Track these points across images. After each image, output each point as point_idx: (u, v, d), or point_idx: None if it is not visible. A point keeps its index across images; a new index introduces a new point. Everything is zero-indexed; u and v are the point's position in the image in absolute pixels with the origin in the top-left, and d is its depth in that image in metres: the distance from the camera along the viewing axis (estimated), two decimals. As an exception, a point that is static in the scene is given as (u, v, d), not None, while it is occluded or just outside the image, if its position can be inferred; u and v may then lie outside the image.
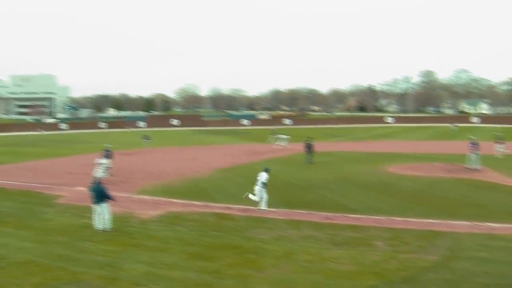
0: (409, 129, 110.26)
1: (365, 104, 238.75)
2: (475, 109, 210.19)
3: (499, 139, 52.05)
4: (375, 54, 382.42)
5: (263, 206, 25.72)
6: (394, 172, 39.53)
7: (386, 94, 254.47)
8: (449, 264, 17.05)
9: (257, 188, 25.88)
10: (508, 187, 32.25)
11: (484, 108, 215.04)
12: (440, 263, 17.23)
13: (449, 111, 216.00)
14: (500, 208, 25.96)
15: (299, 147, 49.49)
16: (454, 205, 26.66)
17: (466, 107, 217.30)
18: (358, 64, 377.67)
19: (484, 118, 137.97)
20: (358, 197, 29.13)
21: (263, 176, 25.92)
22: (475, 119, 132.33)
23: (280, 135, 65.61)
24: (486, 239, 20.21)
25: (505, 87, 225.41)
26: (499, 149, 50.38)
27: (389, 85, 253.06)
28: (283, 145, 65.37)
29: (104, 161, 38.01)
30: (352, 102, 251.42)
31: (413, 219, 23.37)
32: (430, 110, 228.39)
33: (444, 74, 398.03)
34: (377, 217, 23.94)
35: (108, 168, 37.92)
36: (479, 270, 16.47)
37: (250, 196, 26.16)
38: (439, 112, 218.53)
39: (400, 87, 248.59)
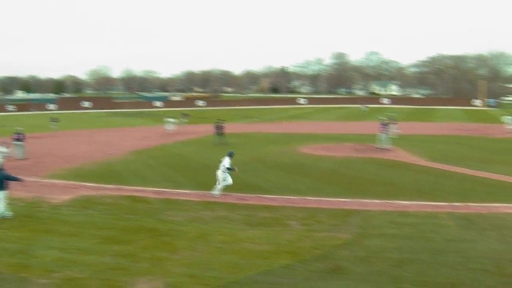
0: (321, 110, 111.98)
1: (278, 85, 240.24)
2: (385, 91, 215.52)
3: (392, 120, 53.34)
4: (287, 36, 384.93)
5: (217, 191, 25.04)
6: (307, 152, 40.08)
7: (299, 76, 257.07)
8: (361, 242, 17.44)
9: (220, 172, 25.16)
10: (417, 165, 33.31)
11: (394, 90, 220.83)
12: (352, 240, 17.60)
13: (360, 92, 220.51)
14: (410, 186, 26.77)
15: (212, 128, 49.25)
16: (366, 184, 27.30)
17: (376, 88, 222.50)
18: (271, 46, 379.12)
19: (394, 99, 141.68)
20: (272, 178, 29.36)
21: (226, 161, 25.26)
22: (385, 100, 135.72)
23: (168, 119, 62.94)
24: (397, 216, 20.79)
25: (413, 69, 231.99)
26: (393, 129, 51.52)
27: (301, 67, 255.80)
28: (172, 129, 62.06)
29: (3, 149, 36.52)
30: (265, 83, 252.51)
31: (326, 199, 23.78)
32: (342, 91, 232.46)
33: (356, 56, 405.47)
34: (291, 197, 24.20)
35: (8, 156, 36.41)
36: (390, 246, 16.93)
37: (220, 185, 25.25)
38: (350, 93, 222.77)
39: (312, 69, 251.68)
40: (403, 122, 70.38)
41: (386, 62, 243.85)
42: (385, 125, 43.35)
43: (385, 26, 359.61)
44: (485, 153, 40.14)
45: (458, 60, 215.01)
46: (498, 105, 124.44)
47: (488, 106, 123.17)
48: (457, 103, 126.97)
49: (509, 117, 61.03)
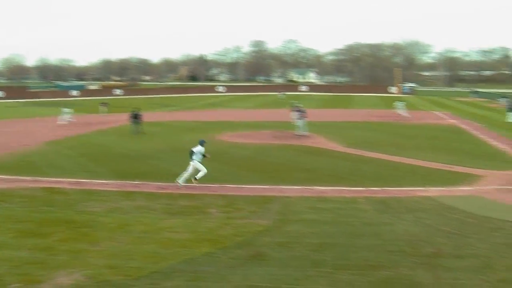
0: (239, 97, 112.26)
1: (196, 73, 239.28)
2: (304, 78, 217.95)
3: (296, 107, 53.86)
4: (206, 23, 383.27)
5: (181, 180, 24.28)
6: (226, 140, 40.12)
7: (217, 64, 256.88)
8: (281, 228, 17.59)
9: (193, 162, 24.39)
10: (335, 152, 33.90)
11: (312, 77, 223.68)
12: (272, 226, 17.73)
13: (279, 80, 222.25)
14: (328, 172, 27.22)
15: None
16: (285, 170, 27.56)
17: (295, 76, 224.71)
18: (190, 34, 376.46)
19: (312, 87, 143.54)
20: (192, 166, 29.23)
21: (198, 149, 24.59)
22: (303, 88, 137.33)
23: (65, 109, 60.38)
24: (316, 201, 21.08)
25: (331, 57, 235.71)
26: (295, 117, 51.96)
27: (220, 55, 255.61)
28: (66, 120, 59.20)
29: None
30: (184, 71, 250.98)
31: (246, 186, 23.87)
32: (261, 79, 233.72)
33: (274, 44, 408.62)
34: (211, 185, 24.15)
35: None
36: (310, 231, 17.16)
37: (197, 176, 24.45)
38: (269, 81, 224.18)
39: (231, 57, 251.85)
40: (321, 109, 71.54)
41: (304, 50, 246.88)
42: (301, 111, 43.84)
43: (303, 14, 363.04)
44: (400, 138, 41.26)
45: (375, 48, 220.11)
46: (413, 92, 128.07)
47: (404, 93, 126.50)
48: (374, 90, 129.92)
49: (400, 103, 63.90)
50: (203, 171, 24.16)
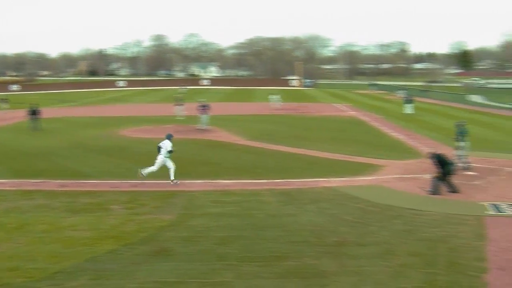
0: (140, 92, 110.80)
1: (96, 68, 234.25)
2: (205, 72, 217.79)
3: (179, 101, 54.09)
4: (105, 17, 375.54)
5: (173, 176, 23.49)
6: (127, 135, 39.50)
7: (117, 58, 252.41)
8: (186, 222, 17.45)
9: (160, 157, 23.54)
10: (238, 145, 34.00)
11: (214, 71, 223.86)
12: (177, 221, 17.57)
13: (181, 74, 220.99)
14: (232, 165, 27.26)
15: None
16: (188, 165, 27.33)
17: (196, 70, 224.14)
18: (89, 28, 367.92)
19: (214, 80, 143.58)
20: (92, 162, 28.56)
21: (166, 144, 23.64)
22: (205, 82, 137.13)
23: None
24: (220, 195, 21.06)
25: (232, 51, 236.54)
26: (179, 111, 51.97)
27: (120, 49, 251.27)
28: None
29: None
30: (83, 66, 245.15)
31: (149, 181, 23.47)
32: (162, 73, 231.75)
33: (175, 38, 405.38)
34: (113, 181, 23.68)
35: None
36: (214, 224, 17.11)
37: (145, 171, 23.72)
38: (170, 75, 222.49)
39: (131, 51, 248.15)
40: (223, 103, 71.65)
41: (205, 44, 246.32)
42: (204, 106, 43.71)
43: (205, 8, 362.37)
44: (302, 130, 41.92)
45: (276, 42, 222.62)
46: (314, 85, 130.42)
47: (305, 86, 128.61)
48: (276, 83, 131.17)
49: (274, 96, 64.84)
50: (172, 168, 23.57)
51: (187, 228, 16.83)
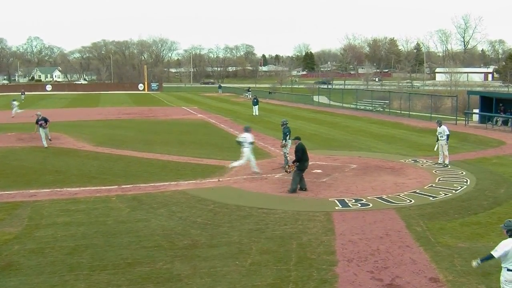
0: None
1: None
2: (50, 77, 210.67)
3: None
4: None
5: (256, 168, 25.24)
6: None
7: None
8: (32, 234, 16.73)
9: (246, 150, 25.04)
10: (84, 151, 33.17)
11: (58, 76, 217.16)
12: (23, 233, 16.79)
13: (23, 80, 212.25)
14: (78, 172, 26.52)
15: None
16: (32, 173, 26.30)
17: (40, 74, 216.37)
18: None
19: (57, 86, 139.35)
20: None
21: (249, 136, 25.32)
22: (48, 87, 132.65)
23: None
24: (67, 203, 20.41)
25: (77, 55, 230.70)
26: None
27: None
28: None
29: None
30: None
31: (-10, 192, 22.35)
32: (2, 79, 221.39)
33: (16, 41, 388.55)
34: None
35: None
36: (63, 234, 16.56)
37: (233, 164, 25.55)
38: (12, 80, 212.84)
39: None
40: (67, 109, 69.69)
41: (48, 48, 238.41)
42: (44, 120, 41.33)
43: (46, 10, 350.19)
44: (150, 134, 41.75)
45: (122, 46, 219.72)
46: (160, 89, 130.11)
47: (151, 90, 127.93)
48: (123, 87, 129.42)
49: (15, 102, 61.42)
50: (250, 160, 25.43)
51: (34, 239, 16.16)
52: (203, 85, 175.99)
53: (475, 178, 24.38)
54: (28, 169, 27.43)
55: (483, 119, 48.34)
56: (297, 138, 22.94)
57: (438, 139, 28.15)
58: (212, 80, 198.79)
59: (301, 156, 22.05)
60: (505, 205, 19.93)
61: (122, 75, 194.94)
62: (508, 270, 10.18)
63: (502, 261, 10.32)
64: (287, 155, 26.88)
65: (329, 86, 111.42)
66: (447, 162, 27.66)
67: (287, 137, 26.79)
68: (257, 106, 59.90)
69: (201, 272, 13.29)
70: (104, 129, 46.19)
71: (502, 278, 10.40)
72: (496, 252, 10.24)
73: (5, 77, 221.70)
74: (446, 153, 27.88)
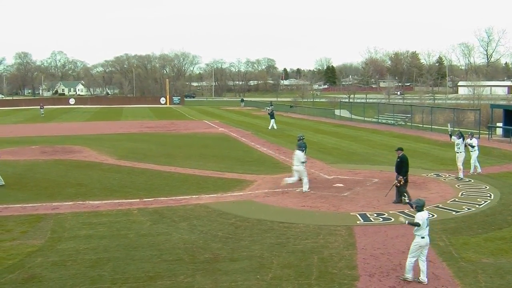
0: (4, 112, 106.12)
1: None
2: (72, 91, 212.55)
3: None
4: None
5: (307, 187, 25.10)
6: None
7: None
8: (55, 246, 16.85)
9: (300, 167, 25.19)
10: (106, 164, 33.37)
11: (81, 90, 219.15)
12: (46, 246, 16.93)
13: (48, 93, 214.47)
14: (100, 185, 26.68)
15: None
16: (56, 186, 26.51)
17: (64, 89, 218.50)
18: None
19: (81, 99, 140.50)
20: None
21: (300, 154, 25.39)
22: (71, 101, 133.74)
23: None
24: (89, 216, 20.54)
25: (100, 69, 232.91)
26: None
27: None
28: None
29: None
30: None
31: (15, 205, 22.53)
32: (27, 93, 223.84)
33: (41, 55, 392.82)
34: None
35: None
36: (85, 247, 16.65)
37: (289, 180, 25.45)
38: (36, 94, 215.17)
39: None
40: (90, 122, 70.19)
41: (72, 62, 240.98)
42: None
43: (70, 25, 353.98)
44: (172, 148, 41.84)
45: (144, 60, 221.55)
46: (183, 103, 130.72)
47: (173, 103, 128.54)
48: (145, 101, 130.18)
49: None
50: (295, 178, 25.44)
51: (57, 252, 16.27)
52: (223, 99, 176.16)
53: (499, 193, 24.15)
54: (51, 182, 27.66)
55: (506, 133, 47.84)
56: (400, 149, 23.17)
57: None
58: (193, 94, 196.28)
59: (407, 168, 22.40)
60: (529, 220, 19.70)
61: (144, 89, 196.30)
62: (422, 237, 13.45)
63: (415, 230, 13.53)
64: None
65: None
66: (461, 175, 27.81)
67: (303, 152, 26.66)
68: (273, 120, 59.75)
69: (222, 286, 13.28)
70: (126, 142, 46.44)
71: (414, 244, 13.55)
72: (420, 221, 13.41)
73: (29, 91, 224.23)
74: (460, 165, 27.96)
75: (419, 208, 13.78)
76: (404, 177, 22.05)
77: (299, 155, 25.15)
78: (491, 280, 13.34)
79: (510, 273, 14.02)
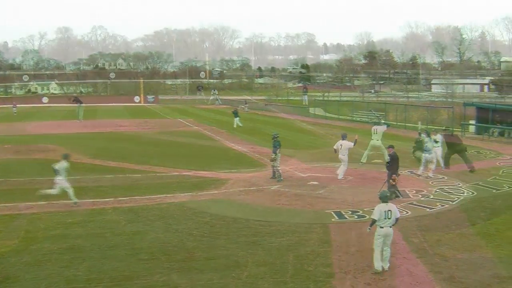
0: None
1: None
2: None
3: None
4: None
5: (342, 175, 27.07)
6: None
7: None
8: (29, 246, 16.72)
9: (344, 157, 26.99)
10: (80, 163, 32.96)
11: (54, 88, 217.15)
12: (20, 246, 16.80)
13: (20, 92, 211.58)
14: (74, 184, 26.05)
15: None
16: (29, 186, 26.23)
17: (36, 87, 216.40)
18: None
19: (54, 98, 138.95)
20: None
21: (346, 144, 26.99)
22: (44, 99, 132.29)
23: None
24: (64, 216, 20.45)
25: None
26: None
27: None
28: None
29: None
30: None
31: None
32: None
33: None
34: None
35: None
36: (60, 247, 16.56)
37: (340, 174, 27.04)
38: (8, 93, 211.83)
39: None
40: (62, 121, 69.58)
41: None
42: None
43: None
44: (147, 146, 41.68)
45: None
46: (156, 101, 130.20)
47: (147, 102, 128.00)
48: (119, 100, 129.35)
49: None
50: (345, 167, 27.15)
51: (32, 252, 16.15)
52: (198, 97, 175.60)
53: (472, 189, 24.47)
54: (25, 182, 27.40)
55: (479, 130, 48.34)
56: (391, 147, 23.69)
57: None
58: None
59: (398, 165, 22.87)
60: (502, 215, 20.02)
61: (118, 87, 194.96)
62: (380, 227, 14.07)
63: (377, 221, 14.09)
64: (278, 168, 26.91)
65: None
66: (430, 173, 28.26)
67: (277, 151, 26.78)
68: (237, 118, 59.29)
69: (198, 284, 13.32)
70: (100, 141, 46.04)
71: (376, 234, 14.15)
72: (375, 216, 14.14)
73: (1, 90, 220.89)
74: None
75: (382, 199, 14.38)
76: (397, 174, 22.30)
77: (347, 144, 27.05)
78: (465, 275, 13.51)
79: (484, 268, 14.23)
